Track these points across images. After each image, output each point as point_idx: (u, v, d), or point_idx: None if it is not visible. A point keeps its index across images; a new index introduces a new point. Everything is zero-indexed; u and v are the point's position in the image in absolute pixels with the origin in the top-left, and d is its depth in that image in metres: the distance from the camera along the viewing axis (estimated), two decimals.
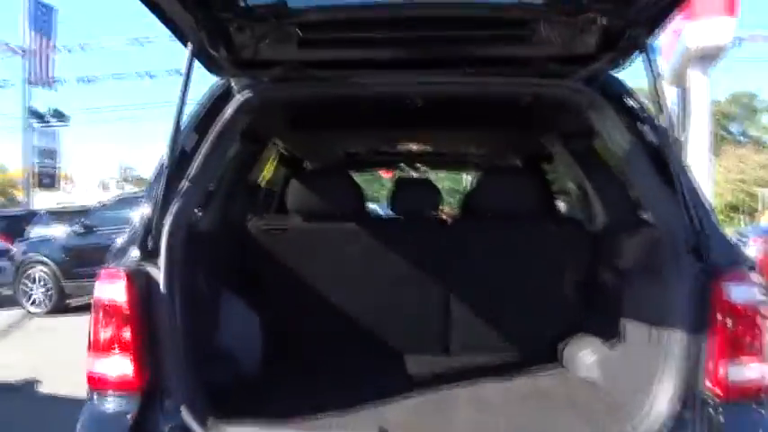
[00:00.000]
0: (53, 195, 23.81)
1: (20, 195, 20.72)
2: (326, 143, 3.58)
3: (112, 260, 1.81)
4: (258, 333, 2.45)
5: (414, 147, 3.81)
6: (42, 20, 19.44)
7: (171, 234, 1.81)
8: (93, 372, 1.72)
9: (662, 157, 1.88)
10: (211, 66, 1.99)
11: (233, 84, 2.10)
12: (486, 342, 2.65)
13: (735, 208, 28.37)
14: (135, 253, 1.79)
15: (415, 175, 5.37)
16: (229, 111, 2.01)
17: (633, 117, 2.00)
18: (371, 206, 13.27)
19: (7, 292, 9.58)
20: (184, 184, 1.89)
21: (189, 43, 1.83)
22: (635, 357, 2.02)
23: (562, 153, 2.86)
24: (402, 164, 4.92)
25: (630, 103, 2.04)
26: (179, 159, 1.92)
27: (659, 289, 1.82)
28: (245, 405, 1.98)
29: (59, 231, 9.95)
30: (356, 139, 3.56)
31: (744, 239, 9.55)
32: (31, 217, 12.64)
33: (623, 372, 2.12)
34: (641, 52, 1.86)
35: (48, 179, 20.32)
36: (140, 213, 1.87)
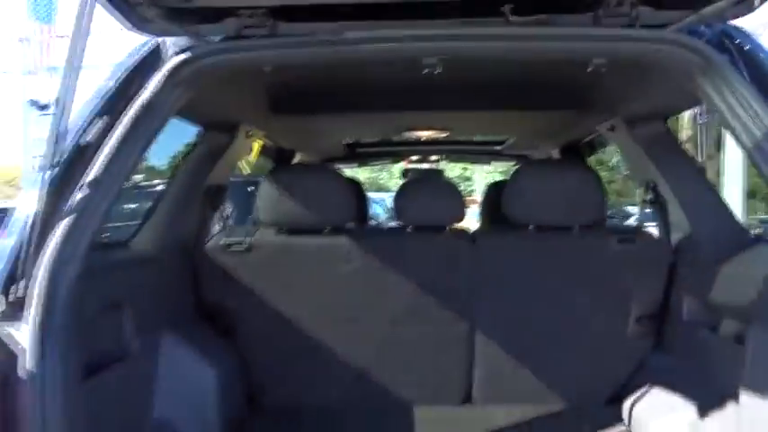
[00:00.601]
0: None
1: None
2: (316, 130, 2.90)
3: None
4: (215, 391, 1.86)
5: (429, 133, 3.06)
6: (42, 6, 18.95)
7: (53, 271, 1.19)
8: None
9: None
10: (129, 16, 1.37)
11: (166, 45, 1.49)
12: (522, 391, 2.14)
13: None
14: None
15: (426, 166, 4.64)
16: (154, 84, 1.39)
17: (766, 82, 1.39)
18: (379, 196, 12.55)
19: None
20: (80, 192, 1.26)
21: None
22: None
23: (625, 140, 2.18)
24: (415, 155, 4.22)
25: (762, 61, 1.44)
26: (74, 156, 1.31)
27: None
28: None
29: None
30: (354, 123, 2.86)
31: None
32: None
33: None
34: None
35: None
36: (4, 242, 1.22)
